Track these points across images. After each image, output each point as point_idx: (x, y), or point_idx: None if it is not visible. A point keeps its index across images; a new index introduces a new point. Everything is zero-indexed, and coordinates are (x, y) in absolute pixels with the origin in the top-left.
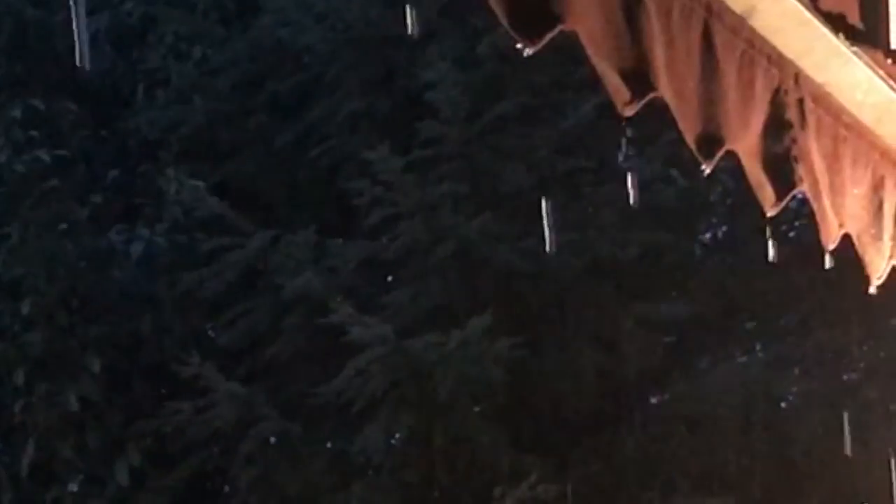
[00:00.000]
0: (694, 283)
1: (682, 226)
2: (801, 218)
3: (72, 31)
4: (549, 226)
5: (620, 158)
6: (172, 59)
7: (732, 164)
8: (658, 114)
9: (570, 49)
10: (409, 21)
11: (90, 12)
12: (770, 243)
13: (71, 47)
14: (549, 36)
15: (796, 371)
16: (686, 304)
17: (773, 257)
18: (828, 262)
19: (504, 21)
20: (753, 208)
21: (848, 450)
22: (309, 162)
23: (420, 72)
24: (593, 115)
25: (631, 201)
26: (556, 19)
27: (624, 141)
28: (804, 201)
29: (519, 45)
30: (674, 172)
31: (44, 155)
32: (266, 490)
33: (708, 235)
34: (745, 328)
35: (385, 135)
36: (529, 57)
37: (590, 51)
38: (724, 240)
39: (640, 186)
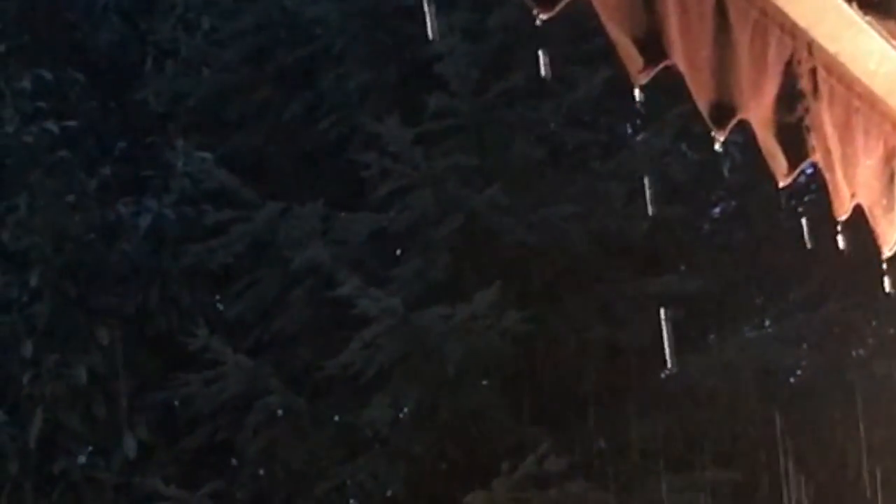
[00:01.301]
0: (702, 258)
1: (691, 200)
2: (811, 193)
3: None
4: (557, 199)
5: (630, 132)
6: (181, 31)
7: (742, 139)
8: (668, 87)
9: (579, 23)
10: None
11: None
12: (779, 218)
13: (79, 18)
14: (563, 2)
15: (805, 346)
16: (694, 279)
17: (783, 232)
18: (838, 238)
19: None
20: (763, 183)
21: (857, 425)
22: (317, 134)
23: (429, 44)
24: (602, 89)
25: (640, 175)
26: None
27: (633, 115)
28: (813, 176)
29: (534, 12)
30: (683, 146)
31: (52, 126)
32: (273, 462)
33: (717, 210)
34: (753, 303)
35: (394, 107)
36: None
37: (603, 17)
38: (734, 214)
39: (650, 160)
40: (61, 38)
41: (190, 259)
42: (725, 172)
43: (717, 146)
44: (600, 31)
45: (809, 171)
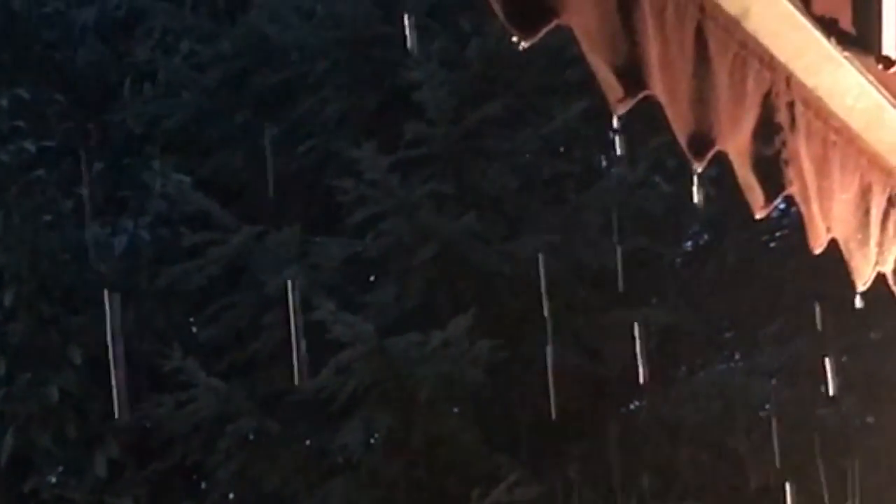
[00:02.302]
0: (675, 291)
1: (664, 233)
2: (783, 229)
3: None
4: (532, 229)
5: (605, 164)
6: (160, 53)
7: (717, 173)
8: (643, 120)
9: (556, 53)
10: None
11: (79, 4)
12: (751, 252)
13: (58, 39)
14: (544, 30)
15: (774, 381)
16: (666, 311)
17: (754, 266)
18: (810, 273)
19: (500, 13)
20: (736, 217)
21: (825, 459)
22: (294, 159)
23: (407, 72)
24: (579, 120)
25: (615, 207)
26: (552, 13)
27: (608, 146)
28: (786, 211)
29: (514, 39)
30: (657, 179)
31: (29, 145)
32: (244, 486)
33: (690, 243)
34: (724, 337)
35: (371, 134)
36: (516, 60)
37: (584, 46)
38: (706, 248)
39: (625, 192)
40: (40, 58)
41: (165, 280)
42: (699, 206)
43: (694, 176)
44: (577, 62)
45: (782, 206)
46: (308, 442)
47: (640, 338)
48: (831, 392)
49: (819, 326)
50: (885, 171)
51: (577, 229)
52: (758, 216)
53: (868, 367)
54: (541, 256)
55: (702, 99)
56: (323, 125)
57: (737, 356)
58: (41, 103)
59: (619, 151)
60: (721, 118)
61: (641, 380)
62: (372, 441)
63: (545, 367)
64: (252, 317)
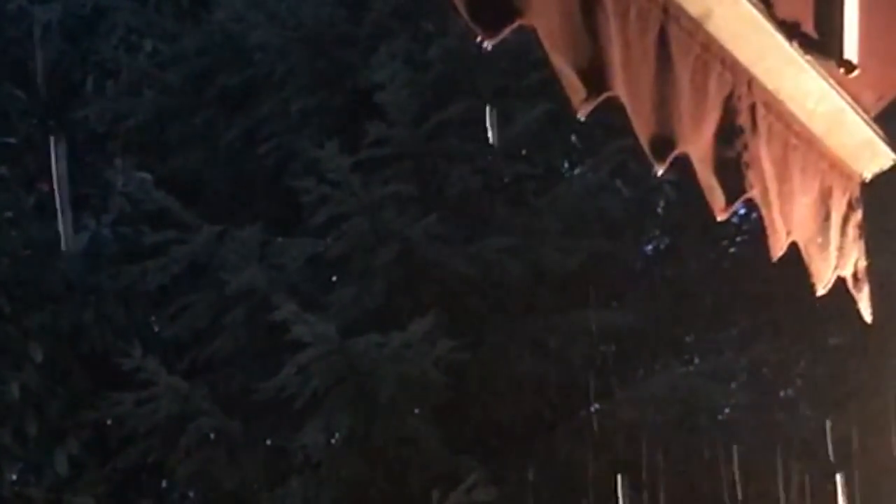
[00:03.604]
0: (634, 294)
1: (624, 235)
2: (742, 234)
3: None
4: (493, 231)
5: (566, 166)
6: (123, 51)
7: (677, 177)
8: (605, 124)
9: (519, 56)
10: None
11: (42, 1)
12: (711, 256)
13: (21, 35)
14: (507, 29)
15: (733, 385)
16: (625, 314)
17: (714, 271)
18: (769, 277)
19: (463, 12)
20: (696, 221)
21: (784, 465)
22: (256, 158)
23: (370, 72)
24: (541, 123)
25: (575, 209)
26: (516, 13)
27: (570, 149)
28: (746, 216)
29: (478, 40)
30: (618, 182)
31: None
32: (204, 484)
33: (650, 247)
34: (683, 340)
35: (333, 134)
36: (479, 62)
37: (547, 46)
38: (666, 252)
39: (585, 195)
40: (2, 55)
41: (126, 279)
42: (659, 210)
43: (657, 176)
44: (539, 65)
45: (743, 210)
46: (269, 441)
47: (600, 340)
48: (791, 396)
49: (778, 330)
50: (846, 175)
51: (538, 232)
52: (719, 219)
53: (828, 370)
54: (502, 258)
55: (664, 101)
56: (285, 125)
57: (696, 359)
58: (3, 100)
59: (580, 155)
60: (683, 120)
61: (601, 382)
62: (332, 441)
63: (506, 369)
64: (213, 316)
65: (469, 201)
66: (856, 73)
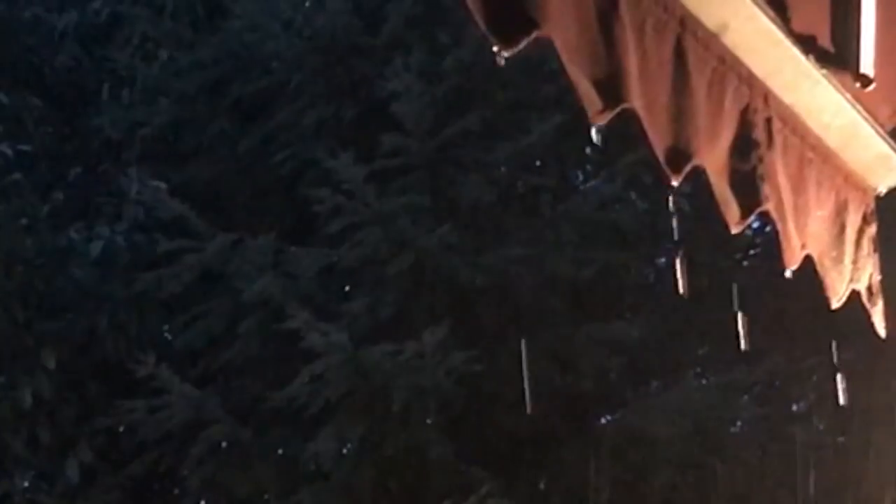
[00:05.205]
0: (648, 306)
1: (638, 247)
2: (756, 247)
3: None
4: (507, 241)
5: (580, 178)
6: (139, 60)
7: (691, 189)
8: (619, 136)
9: (534, 68)
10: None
11: (58, 9)
12: (724, 269)
13: (37, 43)
14: (525, 41)
15: (746, 398)
16: (639, 326)
17: (728, 283)
18: (783, 290)
19: (481, 23)
20: (709, 234)
21: (796, 478)
22: (271, 168)
23: (385, 83)
24: (555, 134)
25: (589, 221)
26: (533, 25)
27: (584, 161)
28: (760, 229)
29: (493, 51)
30: (632, 194)
31: (6, 149)
32: (216, 493)
33: (663, 259)
34: (696, 353)
35: (348, 144)
36: (494, 73)
37: (564, 58)
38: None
39: (599, 206)
40: (18, 63)
41: (140, 287)
42: (674, 222)
43: (671, 190)
44: (554, 77)
45: (757, 223)
46: (280, 450)
47: (613, 352)
48: (803, 410)
49: (792, 344)
50: (861, 189)
51: (551, 243)
52: (733, 231)
53: (840, 385)
54: (515, 269)
55: (680, 113)
56: (300, 134)
57: (709, 372)
58: (19, 108)
59: (594, 166)
60: (699, 133)
61: (614, 394)
62: (344, 451)
63: (518, 380)
64: (227, 324)
65: (483, 212)
66: (872, 87)
